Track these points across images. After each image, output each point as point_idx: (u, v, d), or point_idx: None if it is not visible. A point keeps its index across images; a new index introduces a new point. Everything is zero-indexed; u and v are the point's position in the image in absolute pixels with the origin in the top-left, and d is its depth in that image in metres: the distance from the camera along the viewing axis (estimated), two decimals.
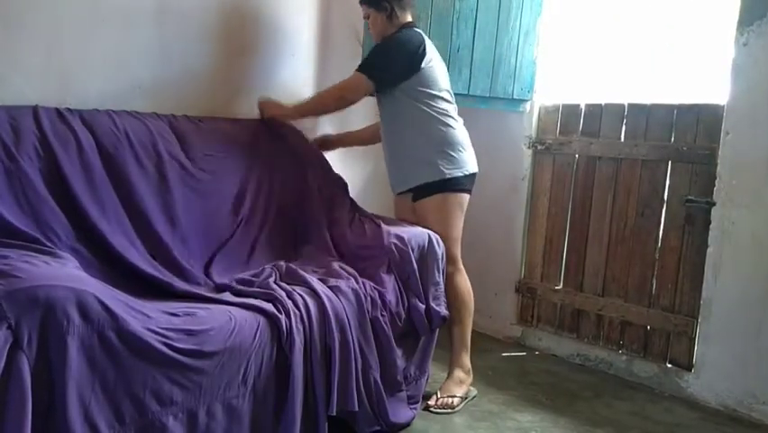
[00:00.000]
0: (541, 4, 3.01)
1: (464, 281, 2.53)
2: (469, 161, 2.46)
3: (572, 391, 2.67)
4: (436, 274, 2.32)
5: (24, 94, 2.10)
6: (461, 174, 2.42)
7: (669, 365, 2.73)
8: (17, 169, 1.84)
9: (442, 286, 2.35)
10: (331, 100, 2.43)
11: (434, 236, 2.34)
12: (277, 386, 1.80)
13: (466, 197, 2.48)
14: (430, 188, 2.41)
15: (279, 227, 2.43)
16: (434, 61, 2.39)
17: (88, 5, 2.25)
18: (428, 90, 2.37)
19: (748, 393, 2.47)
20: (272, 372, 1.79)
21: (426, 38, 2.42)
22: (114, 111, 2.20)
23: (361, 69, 2.36)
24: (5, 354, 1.27)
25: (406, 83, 2.35)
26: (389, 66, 2.35)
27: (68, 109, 2.09)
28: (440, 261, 2.34)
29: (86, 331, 1.39)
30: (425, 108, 2.37)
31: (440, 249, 2.34)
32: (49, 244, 1.76)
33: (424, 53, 2.35)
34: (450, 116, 2.43)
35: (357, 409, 1.94)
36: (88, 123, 2.07)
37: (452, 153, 2.40)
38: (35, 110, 2.00)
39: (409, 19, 2.46)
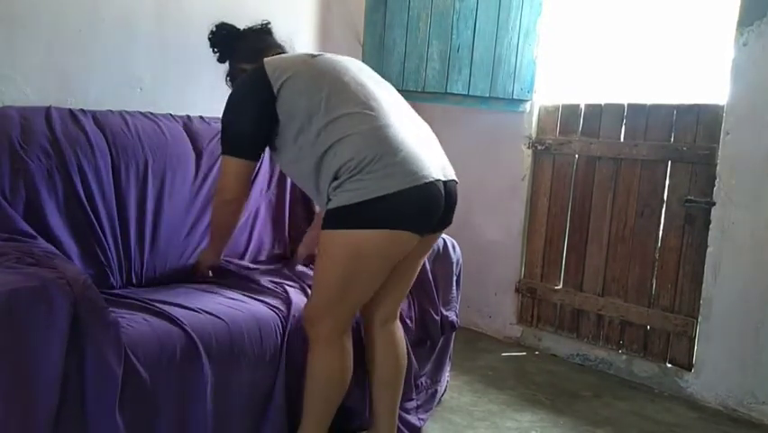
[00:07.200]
0: (541, 4, 3.00)
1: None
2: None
3: (572, 390, 2.67)
4: (450, 279, 2.29)
5: (25, 93, 2.11)
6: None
7: (669, 365, 2.74)
8: (24, 169, 1.85)
9: (455, 292, 2.31)
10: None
11: (449, 240, 2.30)
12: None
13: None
14: None
15: (287, 226, 2.44)
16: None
17: (89, 6, 2.26)
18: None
19: (748, 393, 2.47)
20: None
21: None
22: (128, 112, 2.20)
23: None
24: None
25: None
26: None
27: (82, 110, 2.09)
28: (454, 265, 2.31)
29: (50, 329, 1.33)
30: None
31: (455, 254, 2.31)
32: (48, 244, 1.76)
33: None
34: None
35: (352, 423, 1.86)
36: (101, 123, 2.08)
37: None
38: (48, 111, 2.00)
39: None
